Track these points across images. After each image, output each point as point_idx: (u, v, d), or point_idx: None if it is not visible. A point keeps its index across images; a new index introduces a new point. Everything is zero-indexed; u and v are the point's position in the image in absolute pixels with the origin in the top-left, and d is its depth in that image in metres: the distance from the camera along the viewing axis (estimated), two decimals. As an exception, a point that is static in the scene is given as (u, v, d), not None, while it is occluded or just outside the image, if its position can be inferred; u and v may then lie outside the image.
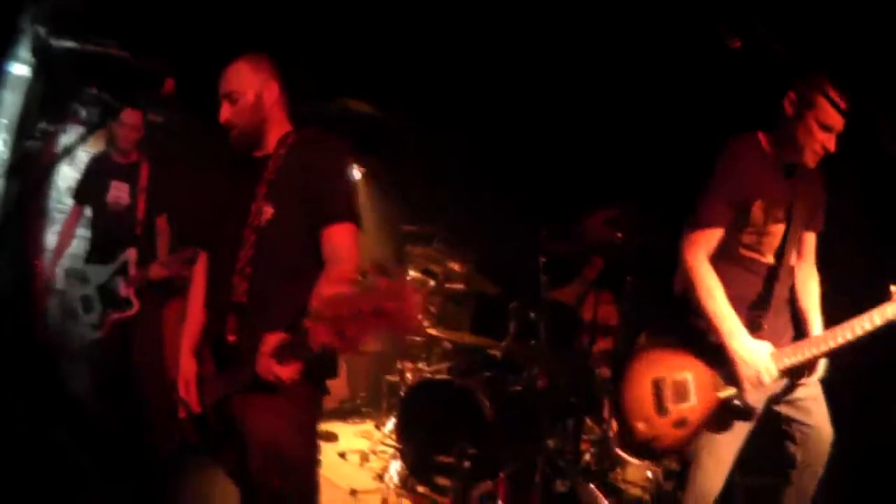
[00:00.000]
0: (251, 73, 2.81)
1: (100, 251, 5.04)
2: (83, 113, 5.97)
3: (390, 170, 7.97)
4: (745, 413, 3.19)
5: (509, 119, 6.41)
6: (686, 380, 3.28)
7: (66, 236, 5.38)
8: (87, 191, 5.23)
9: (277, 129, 2.87)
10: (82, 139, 5.03)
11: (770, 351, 3.13)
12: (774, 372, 3.11)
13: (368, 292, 1.94)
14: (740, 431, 3.27)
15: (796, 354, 3.16)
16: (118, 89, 5.13)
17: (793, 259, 3.34)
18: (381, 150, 7.71)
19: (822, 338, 3.16)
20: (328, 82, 6.33)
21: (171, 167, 5.20)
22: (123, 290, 4.82)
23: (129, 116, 4.92)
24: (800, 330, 3.38)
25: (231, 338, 2.65)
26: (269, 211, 2.69)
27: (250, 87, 2.79)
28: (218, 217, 2.90)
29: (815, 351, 3.14)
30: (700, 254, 3.24)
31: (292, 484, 2.64)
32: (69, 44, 5.45)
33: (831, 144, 3.18)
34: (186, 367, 2.83)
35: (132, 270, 4.82)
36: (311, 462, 2.76)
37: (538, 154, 6.62)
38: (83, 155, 6.53)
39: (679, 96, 5.44)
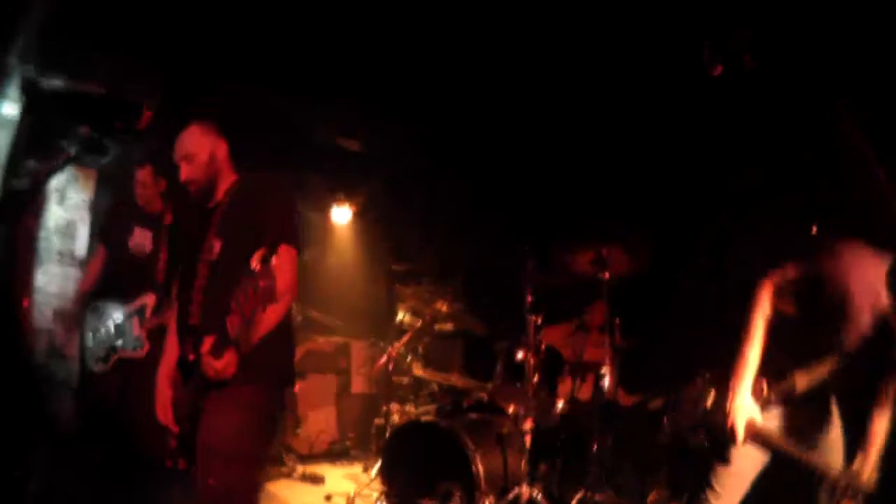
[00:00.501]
0: (203, 135, 3.30)
1: (116, 291, 5.01)
2: (72, 151, 5.98)
3: (379, 207, 7.98)
4: (714, 452, 3.19)
5: (498, 156, 6.43)
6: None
7: (91, 276, 5.33)
8: (111, 232, 5.21)
9: (226, 180, 3.34)
10: (73, 178, 5.05)
11: (749, 420, 3.17)
12: (738, 438, 3.15)
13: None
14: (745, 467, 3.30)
15: (767, 438, 3.20)
16: (101, 125, 5.15)
17: None
18: (369, 187, 7.73)
19: (791, 442, 3.20)
20: (320, 120, 6.36)
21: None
22: (137, 330, 4.82)
23: (142, 175, 4.93)
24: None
25: (191, 357, 3.02)
26: (217, 244, 3.17)
27: (203, 148, 3.27)
28: (182, 257, 3.38)
29: (780, 446, 3.18)
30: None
31: (229, 484, 2.91)
32: (57, 82, 5.49)
33: None
34: (163, 393, 3.20)
35: (148, 314, 4.82)
36: (250, 465, 3.06)
37: (525, 190, 6.64)
38: (73, 194, 6.56)
39: (666, 135, 5.46)
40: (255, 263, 2.76)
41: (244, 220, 3.14)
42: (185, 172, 3.25)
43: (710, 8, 3.85)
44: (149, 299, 4.86)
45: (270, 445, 3.26)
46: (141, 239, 4.99)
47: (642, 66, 4.88)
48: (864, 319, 3.05)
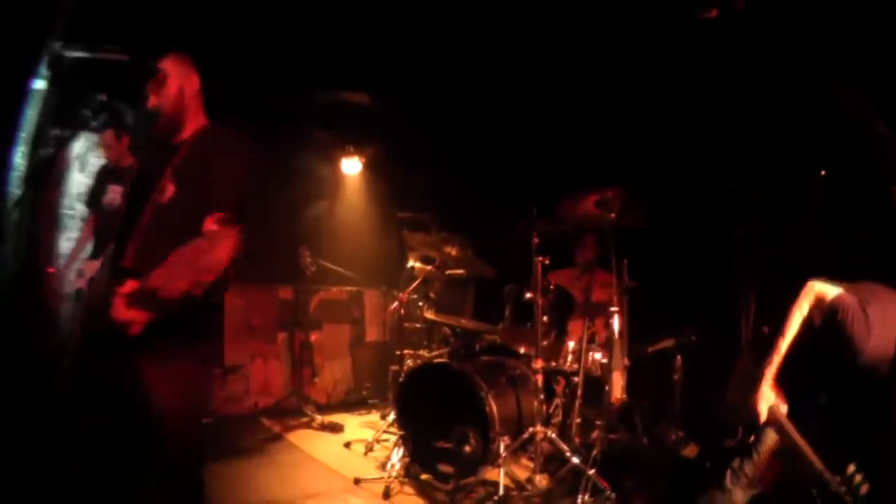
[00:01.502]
0: (174, 66, 3.19)
1: (97, 251, 5.07)
2: (93, 120, 6.02)
3: (388, 159, 7.97)
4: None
5: (502, 105, 6.40)
6: None
7: (80, 241, 5.41)
8: (93, 196, 5.29)
9: (193, 121, 3.20)
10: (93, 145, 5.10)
11: (772, 405, 3.35)
12: (760, 417, 3.35)
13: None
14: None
15: (785, 427, 3.29)
16: (125, 92, 5.17)
17: None
18: (377, 139, 7.72)
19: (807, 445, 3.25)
20: (328, 73, 6.33)
21: None
22: None
23: (104, 139, 5.01)
24: None
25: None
26: (171, 189, 2.97)
27: (174, 80, 3.16)
28: (131, 194, 3.20)
29: (794, 437, 3.24)
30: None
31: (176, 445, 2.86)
32: (80, 53, 5.50)
33: None
34: None
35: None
36: (187, 427, 2.95)
37: (531, 139, 6.62)
38: (94, 161, 6.59)
39: (665, 85, 5.43)
40: (210, 225, 2.78)
41: (200, 173, 2.97)
42: (152, 100, 3.16)
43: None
44: (110, 250, 4.87)
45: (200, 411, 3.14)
46: (112, 194, 5.03)
47: (636, 14, 4.84)
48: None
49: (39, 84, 5.45)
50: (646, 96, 5.59)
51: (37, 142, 5.49)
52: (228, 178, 2.99)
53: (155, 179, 3.01)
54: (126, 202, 3.19)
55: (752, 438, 3.45)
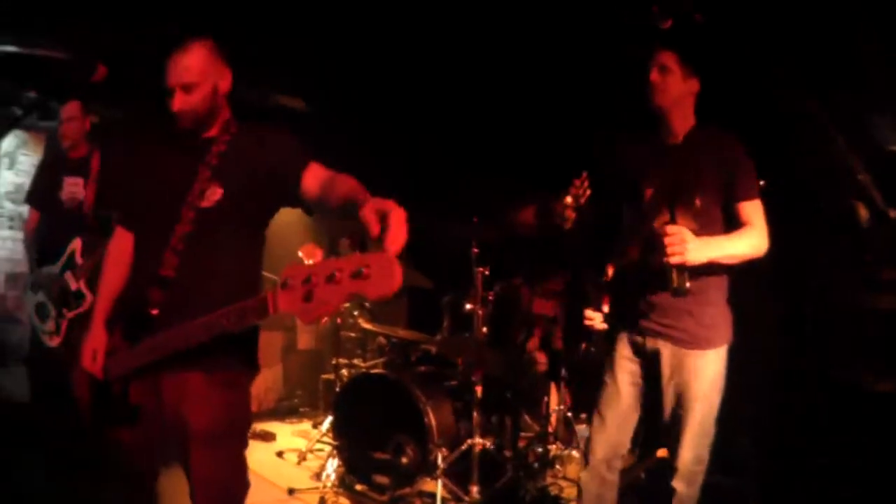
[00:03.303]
0: (209, 63, 2.74)
1: (52, 253, 4.83)
2: (20, 115, 5.84)
3: (320, 160, 7.90)
4: None
5: (441, 112, 6.38)
6: None
7: (27, 241, 5.15)
8: (40, 192, 5.03)
9: (223, 115, 2.84)
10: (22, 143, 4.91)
11: None
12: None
13: (348, 257, 2.02)
14: None
15: None
16: (54, 88, 4.96)
17: None
18: (310, 142, 7.63)
19: None
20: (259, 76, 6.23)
21: (119, 153, 5.00)
22: (73, 283, 4.62)
23: (68, 109, 4.77)
24: None
25: (153, 311, 2.61)
26: (217, 192, 2.67)
27: (208, 79, 2.73)
28: (151, 193, 2.83)
29: None
30: None
31: (226, 466, 2.66)
32: (7, 48, 5.33)
33: None
34: (97, 336, 2.77)
35: (79, 259, 4.63)
36: (244, 443, 2.76)
37: (469, 147, 6.61)
38: (24, 159, 6.39)
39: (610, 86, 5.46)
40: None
41: (252, 168, 2.71)
42: (180, 103, 2.70)
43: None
44: (76, 244, 4.67)
45: (250, 422, 2.87)
46: (72, 188, 4.83)
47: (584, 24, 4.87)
48: None
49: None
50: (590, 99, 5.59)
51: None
52: (290, 148, 2.73)
53: (186, 180, 2.71)
54: (156, 207, 2.77)
55: None
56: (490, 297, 5.22)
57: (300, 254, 5.83)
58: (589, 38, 4.93)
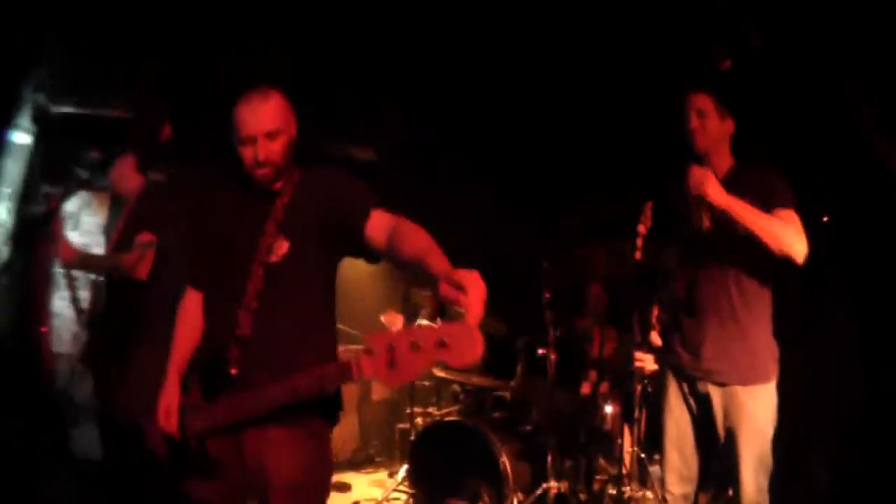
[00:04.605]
0: (287, 111, 2.75)
1: None
2: (84, 176, 6.03)
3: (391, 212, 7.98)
4: None
5: (510, 158, 6.43)
6: None
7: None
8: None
9: (287, 168, 2.80)
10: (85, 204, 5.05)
11: None
12: None
13: (431, 327, 2.11)
14: None
15: None
16: (117, 147, 5.12)
17: None
18: (383, 195, 7.72)
19: None
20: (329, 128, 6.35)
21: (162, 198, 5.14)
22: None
23: (122, 165, 4.89)
24: None
25: (233, 370, 2.61)
26: (284, 245, 2.67)
27: (288, 126, 2.73)
28: (219, 251, 2.82)
29: None
30: None
31: None
32: (68, 108, 5.54)
33: None
34: (170, 395, 2.75)
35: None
36: (327, 493, 2.76)
37: (538, 191, 6.63)
38: (88, 220, 6.61)
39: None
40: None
41: (318, 218, 2.68)
42: (265, 152, 2.65)
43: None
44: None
45: (332, 473, 2.85)
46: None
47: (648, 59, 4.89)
48: None
49: (24, 138, 5.51)
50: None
51: (25, 199, 5.53)
52: (355, 190, 2.69)
53: (253, 236, 2.70)
54: (225, 266, 2.77)
55: None
56: (561, 340, 5.22)
57: (382, 319, 5.90)
58: (652, 76, 4.95)
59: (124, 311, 4.37)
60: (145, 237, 4.28)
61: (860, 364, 4.61)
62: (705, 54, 2.86)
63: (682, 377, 3.39)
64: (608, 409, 5.32)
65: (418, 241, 2.45)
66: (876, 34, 3.78)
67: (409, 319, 5.97)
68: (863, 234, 4.34)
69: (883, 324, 4.41)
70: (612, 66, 5.24)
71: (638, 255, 3.29)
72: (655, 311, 3.57)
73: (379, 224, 2.60)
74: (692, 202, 3.17)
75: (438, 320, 2.16)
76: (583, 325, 6.37)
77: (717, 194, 3.07)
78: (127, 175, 4.76)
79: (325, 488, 2.75)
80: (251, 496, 2.72)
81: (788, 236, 3.06)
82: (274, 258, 2.67)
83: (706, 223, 3.19)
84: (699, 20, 3.31)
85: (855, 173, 3.94)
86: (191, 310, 2.93)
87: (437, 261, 2.29)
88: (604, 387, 5.55)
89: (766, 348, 3.28)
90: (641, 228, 3.32)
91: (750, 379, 3.23)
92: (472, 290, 2.06)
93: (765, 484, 3.22)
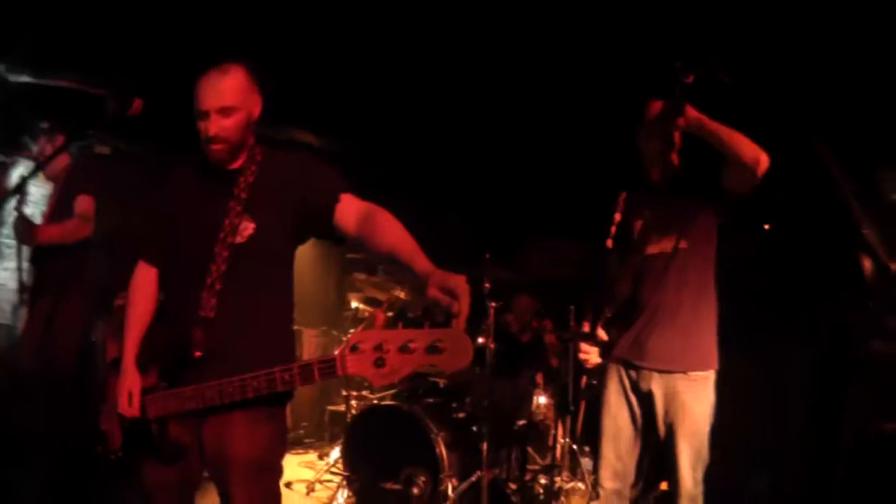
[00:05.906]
0: (247, 88, 2.67)
1: None
2: (34, 146, 5.94)
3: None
4: None
5: (458, 146, 6.47)
6: None
7: None
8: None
9: (248, 144, 2.76)
10: (32, 173, 4.99)
11: None
12: None
13: (425, 330, 2.13)
14: None
15: None
16: (72, 120, 5.05)
17: None
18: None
19: None
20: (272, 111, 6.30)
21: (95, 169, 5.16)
22: None
23: (45, 144, 4.92)
24: None
25: (196, 353, 2.56)
26: (249, 226, 2.62)
27: (245, 104, 2.65)
28: (180, 230, 2.76)
29: None
30: None
31: (268, 496, 2.69)
32: (25, 78, 5.43)
33: None
34: (131, 378, 2.69)
35: None
36: (280, 471, 2.78)
37: (485, 183, 6.70)
38: (34, 190, 6.46)
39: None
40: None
41: (282, 197, 2.65)
42: (216, 127, 2.59)
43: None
44: None
45: (286, 452, 2.83)
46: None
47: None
48: None
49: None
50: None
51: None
52: (320, 174, 2.70)
53: (215, 216, 2.65)
54: (186, 247, 2.71)
55: None
56: (500, 331, 5.31)
57: (367, 316, 5.96)
58: (612, 88, 5.04)
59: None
60: (85, 202, 4.35)
61: (803, 377, 4.80)
62: (667, 71, 2.96)
63: (625, 371, 3.52)
64: (542, 399, 5.44)
65: (397, 235, 2.49)
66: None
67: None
68: (808, 243, 4.53)
69: (828, 337, 4.60)
70: (562, 65, 5.32)
71: (609, 242, 3.38)
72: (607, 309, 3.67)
73: (349, 209, 2.62)
74: (659, 142, 3.35)
75: (426, 324, 2.16)
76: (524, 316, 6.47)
77: (691, 111, 3.15)
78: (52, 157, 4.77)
79: (279, 467, 2.76)
80: (209, 476, 2.71)
81: (754, 144, 3.16)
82: (239, 239, 2.62)
83: (655, 175, 3.39)
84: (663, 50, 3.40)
85: (802, 181, 4.11)
86: (144, 285, 2.88)
87: (423, 261, 2.34)
88: (539, 376, 5.66)
89: (709, 338, 3.42)
90: (617, 216, 3.42)
91: (691, 365, 3.37)
92: (464, 297, 2.14)
93: (700, 477, 3.35)
